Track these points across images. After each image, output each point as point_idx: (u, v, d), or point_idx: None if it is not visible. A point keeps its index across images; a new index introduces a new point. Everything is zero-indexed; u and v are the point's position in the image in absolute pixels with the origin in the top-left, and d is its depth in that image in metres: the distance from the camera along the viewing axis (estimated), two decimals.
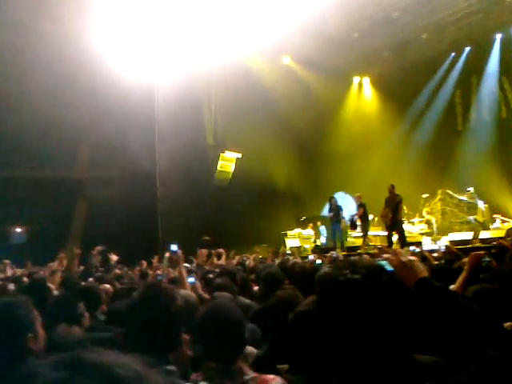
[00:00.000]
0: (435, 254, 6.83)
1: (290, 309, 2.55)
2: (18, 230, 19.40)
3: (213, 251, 8.10)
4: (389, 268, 1.70)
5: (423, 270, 1.71)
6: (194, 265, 6.65)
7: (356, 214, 13.24)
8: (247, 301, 4.46)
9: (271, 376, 2.01)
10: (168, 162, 14.15)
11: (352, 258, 6.77)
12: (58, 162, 19.69)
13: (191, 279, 4.44)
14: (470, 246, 9.87)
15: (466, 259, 4.20)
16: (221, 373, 2.02)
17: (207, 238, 11.50)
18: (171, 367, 1.86)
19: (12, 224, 18.94)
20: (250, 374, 2.03)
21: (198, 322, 2.14)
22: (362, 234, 13.68)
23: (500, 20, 14.79)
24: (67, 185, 18.32)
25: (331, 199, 14.09)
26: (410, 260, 1.72)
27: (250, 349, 2.66)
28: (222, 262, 7.17)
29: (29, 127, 17.67)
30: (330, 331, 1.33)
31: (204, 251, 8.10)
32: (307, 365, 1.95)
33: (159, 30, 13.20)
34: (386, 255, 1.77)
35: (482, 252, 4.07)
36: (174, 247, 4.22)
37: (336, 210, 13.67)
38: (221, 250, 7.63)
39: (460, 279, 3.73)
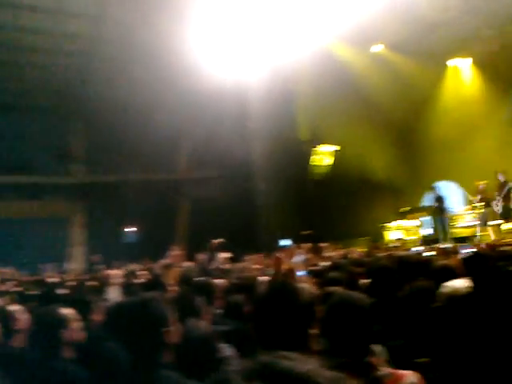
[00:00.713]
0: None
1: (425, 301, 2.46)
2: (130, 229, 20.70)
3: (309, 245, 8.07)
4: None
5: None
6: (301, 259, 6.68)
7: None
8: (358, 294, 4.39)
9: (407, 372, 1.94)
10: (263, 157, 14.34)
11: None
12: (162, 165, 20.74)
13: (302, 272, 4.46)
14: None
15: None
16: (350, 368, 1.98)
17: (307, 232, 11.50)
18: None
19: (124, 224, 20.25)
20: (384, 370, 1.98)
21: (326, 315, 2.12)
22: (470, 224, 13.02)
23: None
24: (170, 186, 19.20)
25: (433, 189, 13.56)
26: None
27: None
28: (332, 254, 7.12)
29: (134, 134, 18.76)
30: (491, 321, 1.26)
31: (306, 245, 8.12)
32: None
33: (244, 27, 13.29)
34: None
35: None
36: (284, 242, 4.27)
37: (439, 199, 13.14)
38: (324, 244, 7.57)
39: None
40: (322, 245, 7.84)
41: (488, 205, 12.53)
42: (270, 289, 2.15)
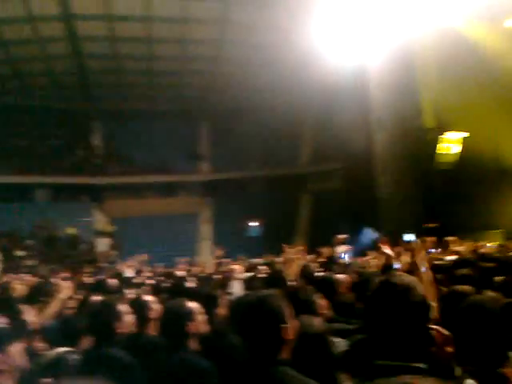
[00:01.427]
0: None
1: None
2: (254, 223, 21.33)
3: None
4: None
5: None
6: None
7: None
8: (490, 294, 4.08)
9: None
10: (386, 148, 13.84)
11: None
12: (284, 160, 21.04)
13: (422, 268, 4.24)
14: None
15: None
16: (480, 378, 1.83)
17: (432, 225, 10.89)
18: (420, 365, 1.76)
19: (247, 219, 20.90)
20: None
21: (455, 318, 2.00)
22: None
23: None
24: (292, 180, 19.45)
25: None
26: None
27: None
28: (460, 249, 6.68)
29: (256, 131, 19.29)
30: None
31: (431, 239, 7.72)
32: None
33: (365, 10, 12.83)
34: None
35: None
36: (408, 237, 4.12)
37: None
38: (451, 238, 7.08)
39: None
40: (448, 239, 7.35)
41: None
42: (378, 285, 2.06)
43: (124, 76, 20.94)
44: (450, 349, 1.86)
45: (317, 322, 2.58)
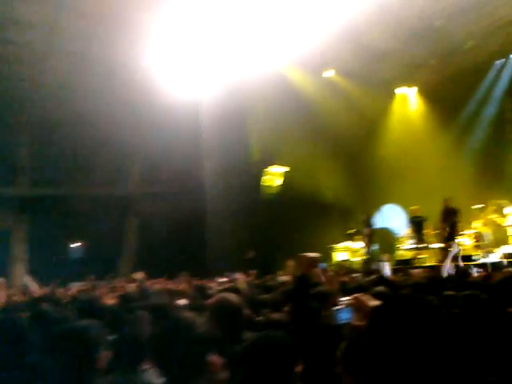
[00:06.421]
0: None
1: None
2: (76, 245, 20.07)
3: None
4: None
5: None
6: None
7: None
8: None
9: None
10: (214, 177, 14.29)
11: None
12: (111, 179, 20.30)
13: None
14: None
15: None
16: None
17: (250, 252, 11.46)
18: None
19: (70, 240, 19.60)
20: None
21: None
22: (413, 246, 13.52)
23: None
24: (119, 201, 18.79)
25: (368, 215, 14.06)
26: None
27: None
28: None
29: (84, 146, 18.35)
30: None
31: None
32: None
33: (199, 46, 13.36)
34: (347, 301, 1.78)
35: None
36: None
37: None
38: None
39: None
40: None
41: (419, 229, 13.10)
42: None
43: None
44: None
45: None
